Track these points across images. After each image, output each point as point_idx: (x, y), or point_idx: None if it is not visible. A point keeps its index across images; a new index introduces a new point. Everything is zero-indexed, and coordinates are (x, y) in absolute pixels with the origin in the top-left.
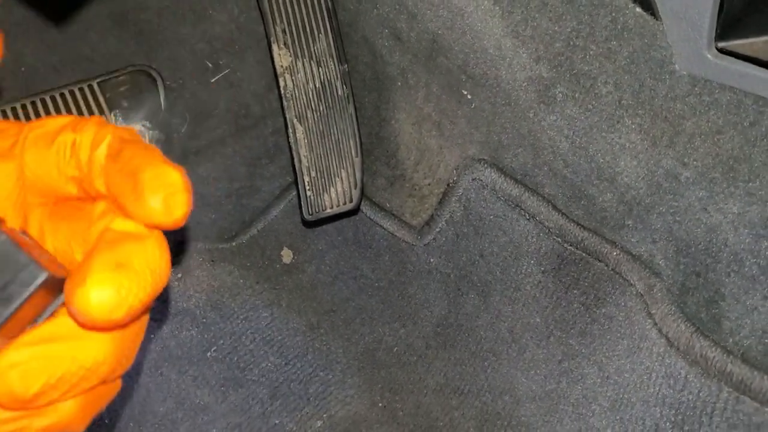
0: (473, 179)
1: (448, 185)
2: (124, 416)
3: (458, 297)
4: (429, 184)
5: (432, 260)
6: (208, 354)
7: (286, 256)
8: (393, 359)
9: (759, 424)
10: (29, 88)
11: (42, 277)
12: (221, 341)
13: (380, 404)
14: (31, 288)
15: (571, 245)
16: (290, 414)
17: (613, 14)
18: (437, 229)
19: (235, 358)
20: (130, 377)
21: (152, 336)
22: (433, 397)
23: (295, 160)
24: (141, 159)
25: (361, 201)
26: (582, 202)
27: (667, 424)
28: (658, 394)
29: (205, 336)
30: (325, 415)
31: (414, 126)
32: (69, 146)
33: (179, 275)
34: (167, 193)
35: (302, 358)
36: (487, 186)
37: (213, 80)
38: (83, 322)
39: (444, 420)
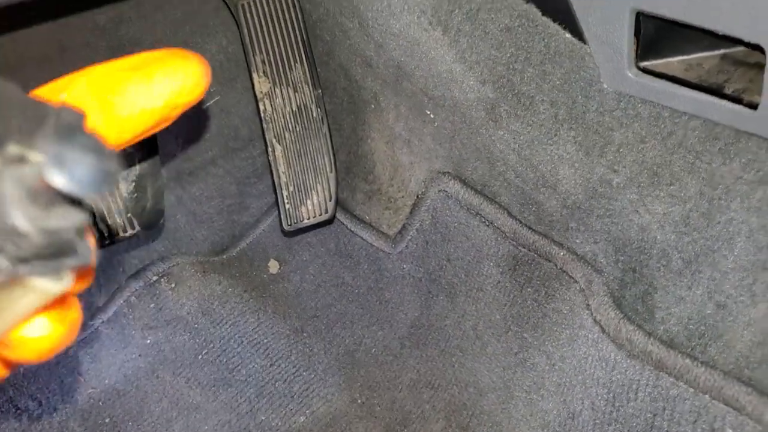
0: (439, 191)
1: (417, 197)
2: (123, 416)
3: (429, 299)
4: (402, 197)
5: (405, 266)
6: (200, 357)
7: (273, 266)
8: (371, 359)
9: (675, 396)
10: None
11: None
12: (212, 345)
13: (359, 400)
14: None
15: (524, 247)
16: (275, 411)
17: (546, 40)
18: (409, 237)
19: (225, 360)
20: (128, 380)
21: (148, 341)
22: (407, 392)
23: (275, 176)
24: None
25: (335, 211)
26: (532, 208)
27: (602, 401)
28: (593, 376)
29: (197, 340)
30: (307, 411)
31: (387, 144)
32: None
33: (173, 285)
34: None
35: (286, 359)
36: (451, 196)
37: (204, 106)
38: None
39: (416, 413)
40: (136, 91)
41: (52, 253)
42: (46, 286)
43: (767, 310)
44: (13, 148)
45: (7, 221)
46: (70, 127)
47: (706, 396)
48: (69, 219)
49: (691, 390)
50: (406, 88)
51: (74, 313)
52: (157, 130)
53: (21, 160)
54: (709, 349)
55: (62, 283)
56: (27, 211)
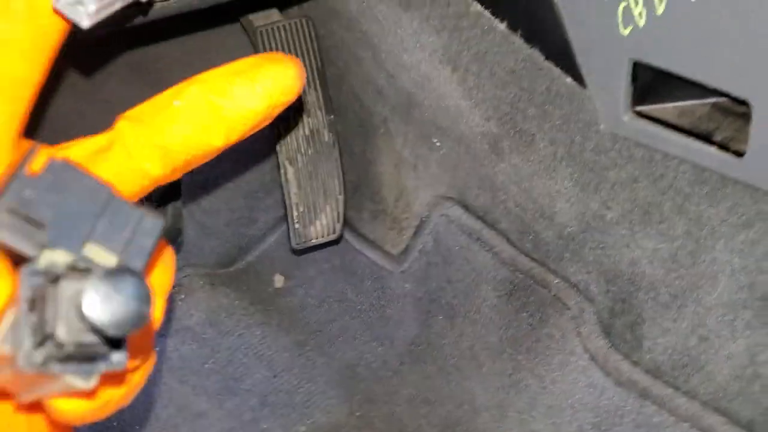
0: (442, 215)
1: (421, 220)
2: (131, 421)
3: (428, 318)
4: (406, 218)
5: (407, 285)
6: (206, 366)
7: (279, 281)
8: (370, 374)
9: (657, 423)
10: (54, 130)
11: (161, 225)
12: (218, 355)
13: (358, 413)
14: (156, 237)
15: (521, 273)
16: (278, 420)
17: (548, 83)
18: (412, 258)
19: (230, 370)
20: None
21: (157, 349)
22: (405, 407)
23: (286, 196)
24: None
25: (343, 232)
26: (530, 237)
27: (589, 425)
28: (582, 400)
29: (204, 350)
30: (308, 422)
31: (394, 167)
32: None
33: (182, 296)
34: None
35: (289, 371)
36: (453, 221)
37: None
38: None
39: (413, 427)
40: (242, 93)
41: (86, 358)
42: (74, 383)
43: (746, 345)
44: (92, 250)
45: (51, 329)
46: (122, 270)
47: (686, 424)
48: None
49: (672, 418)
50: (415, 116)
51: (112, 392)
52: (259, 128)
53: (86, 271)
54: (691, 379)
55: (89, 383)
56: (71, 325)
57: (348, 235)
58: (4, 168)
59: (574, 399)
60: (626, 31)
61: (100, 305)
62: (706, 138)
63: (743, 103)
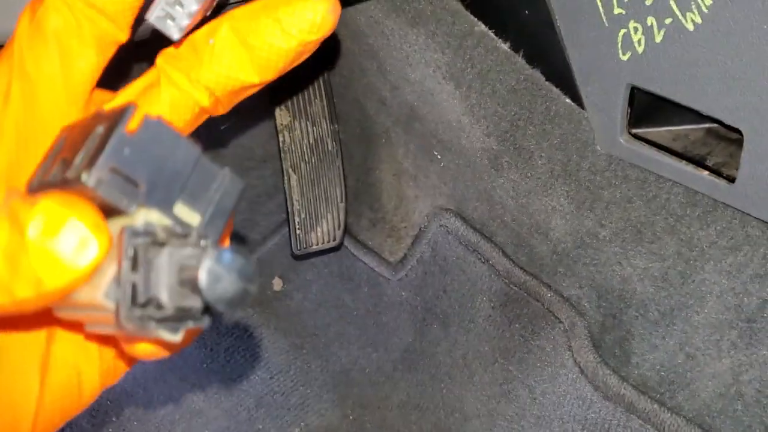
0: (440, 225)
1: (420, 229)
2: (129, 416)
3: (423, 327)
4: (405, 227)
5: (403, 293)
6: (205, 365)
7: (277, 284)
8: (364, 379)
9: None
10: None
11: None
12: (217, 355)
13: (350, 417)
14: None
15: (515, 286)
16: (272, 421)
17: (548, 103)
18: (409, 267)
19: (228, 371)
20: (137, 382)
21: None
22: (397, 412)
23: (288, 203)
24: None
25: (343, 240)
26: (525, 251)
27: None
28: (570, 412)
29: (204, 350)
30: (302, 424)
31: (395, 177)
32: None
33: None
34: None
35: (285, 373)
36: (451, 232)
37: (222, 127)
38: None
39: None
40: (269, 32)
41: (180, 318)
42: (164, 336)
43: (730, 365)
44: (180, 209)
45: (154, 293)
46: (234, 251)
47: None
48: (201, 302)
49: None
50: (416, 128)
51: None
52: (295, 65)
53: (185, 236)
54: (677, 395)
55: (177, 337)
56: (173, 291)
57: (346, 242)
58: (78, 116)
59: (562, 411)
60: (625, 57)
61: (215, 283)
62: (698, 162)
63: (736, 129)
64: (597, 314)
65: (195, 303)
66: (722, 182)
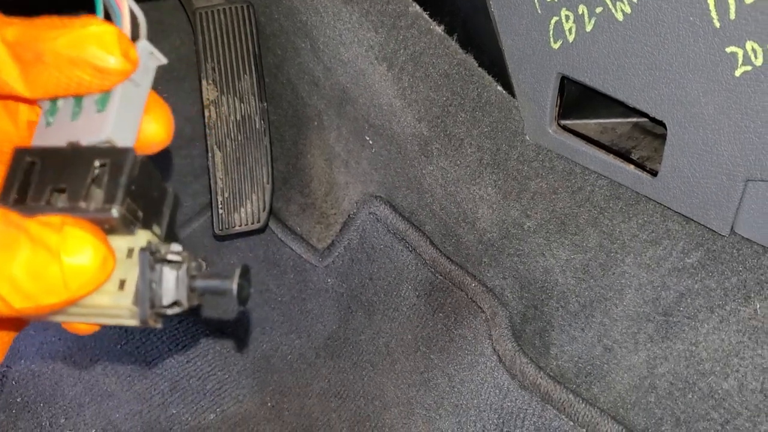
0: (370, 213)
1: (349, 216)
2: (36, 397)
3: (348, 314)
4: (334, 214)
5: (329, 280)
6: (119, 346)
7: None
8: (285, 365)
9: (557, 428)
10: None
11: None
12: (131, 335)
13: (269, 404)
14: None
15: (441, 275)
16: (187, 406)
17: (479, 90)
18: (336, 253)
19: (143, 352)
20: (45, 362)
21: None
22: (316, 400)
23: (212, 181)
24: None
25: (268, 222)
26: (452, 240)
27: (492, 426)
28: (487, 401)
29: (117, 330)
30: (218, 410)
31: (326, 161)
32: None
33: None
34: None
35: (203, 357)
36: (380, 220)
37: None
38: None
39: (323, 420)
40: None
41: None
42: (159, 324)
43: (646, 357)
44: (155, 227)
45: (160, 299)
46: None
47: (584, 430)
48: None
49: (571, 423)
50: (348, 112)
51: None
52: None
53: (178, 263)
54: (593, 387)
55: (159, 324)
56: (187, 295)
57: (274, 227)
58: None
59: (480, 399)
60: (556, 45)
61: (241, 291)
62: (624, 156)
63: (662, 124)
64: (519, 305)
65: (195, 302)
66: (645, 176)
